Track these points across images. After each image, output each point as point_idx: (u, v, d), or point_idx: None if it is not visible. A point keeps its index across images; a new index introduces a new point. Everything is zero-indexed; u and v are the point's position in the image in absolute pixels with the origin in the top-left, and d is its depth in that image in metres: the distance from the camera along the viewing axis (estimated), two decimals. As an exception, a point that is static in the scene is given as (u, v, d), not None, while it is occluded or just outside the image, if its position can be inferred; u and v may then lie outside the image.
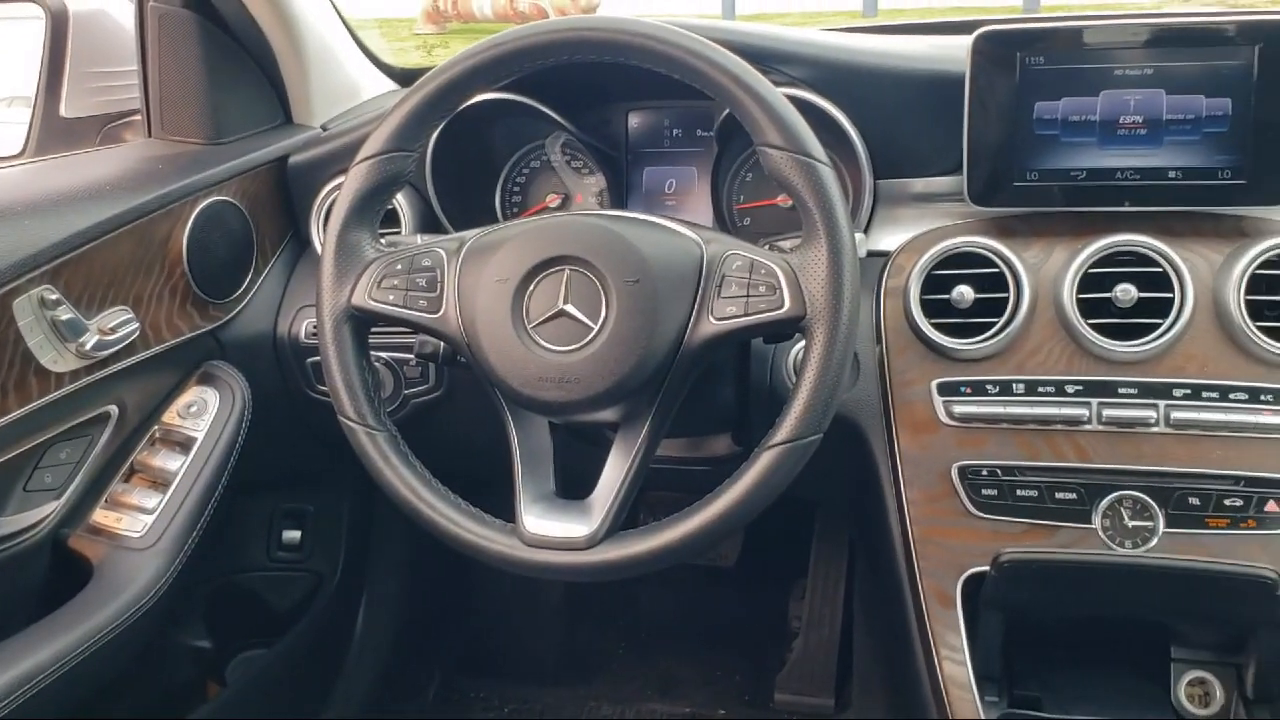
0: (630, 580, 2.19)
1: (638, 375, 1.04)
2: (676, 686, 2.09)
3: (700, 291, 1.05)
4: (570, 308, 1.05)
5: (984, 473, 1.19)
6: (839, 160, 1.34)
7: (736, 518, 1.04)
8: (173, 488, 1.35)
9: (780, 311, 1.03)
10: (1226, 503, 1.14)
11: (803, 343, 1.02)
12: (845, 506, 1.83)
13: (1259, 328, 1.15)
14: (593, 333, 1.04)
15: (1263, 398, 1.15)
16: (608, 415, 1.08)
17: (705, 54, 1.04)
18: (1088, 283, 1.20)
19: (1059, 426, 1.19)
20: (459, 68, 1.09)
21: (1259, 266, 1.16)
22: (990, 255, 1.22)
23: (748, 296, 1.04)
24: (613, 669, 2.14)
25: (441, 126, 1.39)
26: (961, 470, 1.20)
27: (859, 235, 1.22)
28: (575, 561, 1.06)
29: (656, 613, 2.21)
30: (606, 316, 1.04)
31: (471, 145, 1.47)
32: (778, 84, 1.25)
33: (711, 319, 1.04)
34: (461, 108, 1.36)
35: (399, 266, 1.10)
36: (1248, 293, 1.16)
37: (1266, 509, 1.13)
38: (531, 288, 1.06)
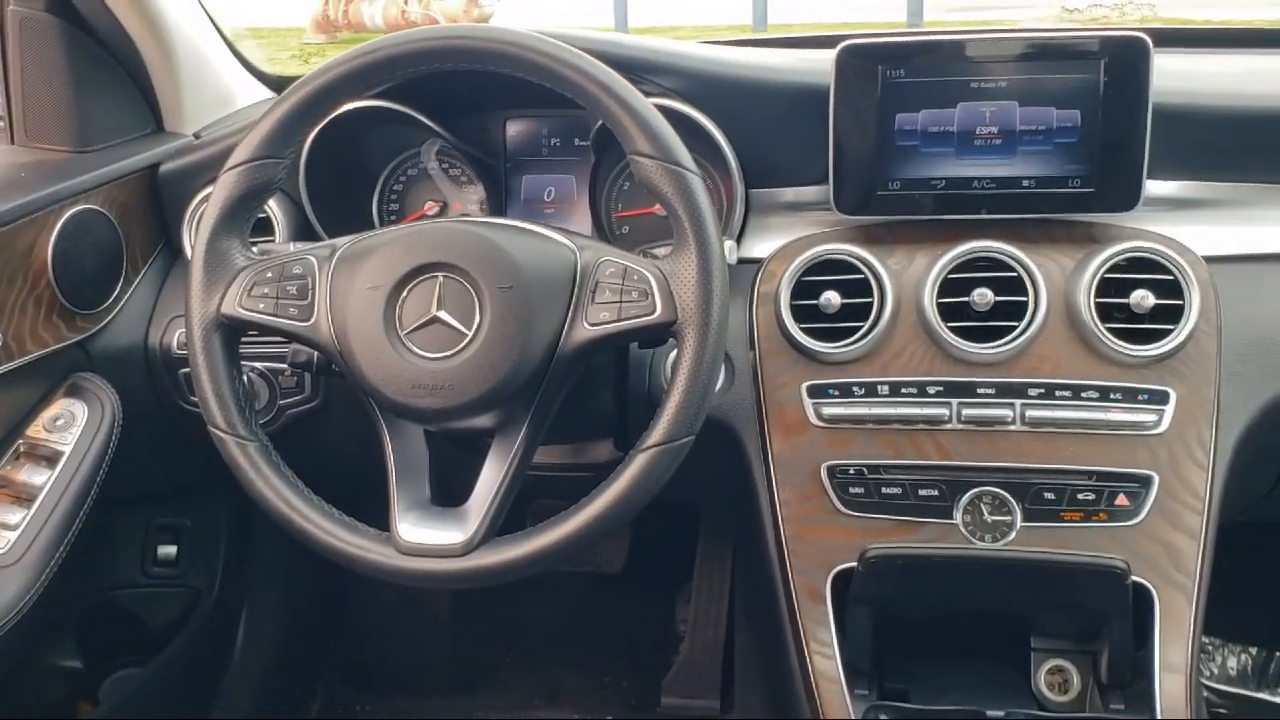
0: (516, 589, 2.19)
1: (513, 381, 1.04)
2: (564, 694, 2.09)
3: (574, 297, 1.06)
4: (444, 314, 1.05)
5: (851, 471, 1.23)
6: (712, 170, 1.37)
7: (612, 520, 1.05)
8: (37, 503, 1.31)
9: (652, 317, 1.05)
10: (1080, 497, 1.19)
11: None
12: (729, 510, 1.86)
13: (1108, 329, 1.21)
14: (466, 339, 1.05)
15: (1112, 396, 1.20)
16: (483, 421, 1.09)
17: (576, 64, 1.06)
18: (947, 287, 1.24)
19: (921, 426, 1.23)
20: (329, 75, 1.09)
21: (1107, 271, 1.22)
22: (856, 262, 1.26)
23: (620, 302, 1.06)
24: (499, 679, 2.14)
25: (315, 133, 1.39)
26: (830, 470, 1.23)
27: (729, 243, 1.25)
28: (451, 569, 1.06)
29: (543, 621, 2.21)
30: (480, 323, 1.04)
31: (347, 152, 1.47)
32: (649, 94, 1.28)
33: (586, 324, 1.06)
34: (334, 114, 1.37)
35: (269, 274, 1.09)
36: (1097, 296, 1.21)
37: (1117, 502, 1.19)
38: (404, 295, 1.06)
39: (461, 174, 1.53)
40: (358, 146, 1.50)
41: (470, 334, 1.05)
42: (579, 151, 1.49)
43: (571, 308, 1.06)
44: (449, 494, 1.13)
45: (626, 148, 1.07)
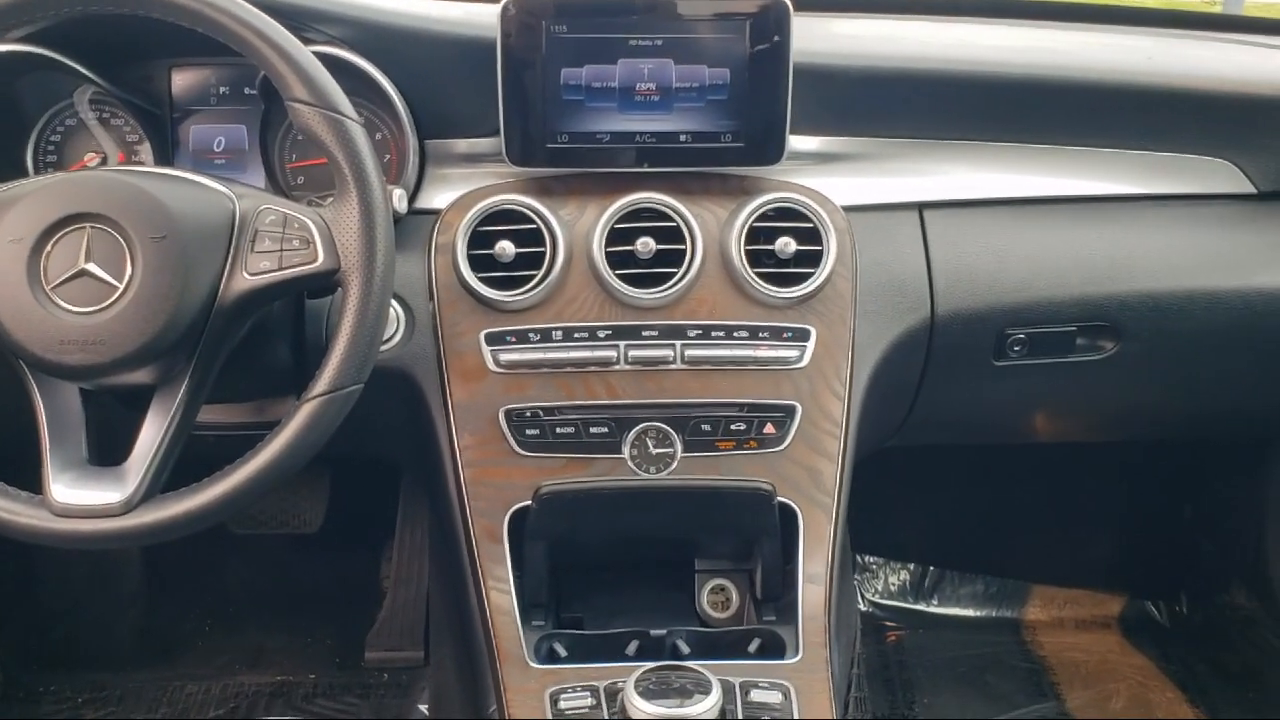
0: (214, 553, 2.14)
1: (169, 334, 1.02)
2: (266, 656, 2.07)
3: (233, 247, 1.05)
4: (92, 266, 1.02)
5: (527, 414, 1.28)
6: (385, 120, 1.37)
7: (279, 471, 1.06)
8: None
9: (314, 265, 1.05)
10: (733, 427, 1.29)
11: None
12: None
13: (757, 274, 1.30)
14: (118, 292, 1.02)
15: (761, 334, 1.30)
16: (141, 377, 1.06)
17: (229, 8, 1.04)
18: (614, 237, 1.30)
19: (592, 368, 1.29)
20: None
21: (755, 220, 1.31)
22: (529, 213, 1.30)
23: (281, 250, 1.06)
24: (198, 646, 2.09)
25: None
26: (508, 413, 1.28)
27: (397, 191, 1.26)
28: (110, 528, 1.04)
29: (243, 585, 2.17)
30: (132, 275, 1.02)
31: (-6, 101, 1.38)
32: (314, 43, 1.27)
33: (245, 274, 1.05)
34: (-27, 60, 1.28)
35: None
36: (747, 243, 1.31)
37: (765, 431, 1.29)
38: (49, 247, 1.02)
39: (125, 124, 1.46)
40: (8, 95, 1.41)
41: (122, 286, 1.02)
42: (249, 101, 1.45)
43: (230, 257, 1.05)
44: (116, 453, 1.09)
45: (284, 95, 1.06)
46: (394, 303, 1.30)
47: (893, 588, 2.22)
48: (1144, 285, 1.42)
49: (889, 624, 2.19)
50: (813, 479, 1.29)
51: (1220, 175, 1.49)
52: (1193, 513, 2.18)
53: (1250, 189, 1.49)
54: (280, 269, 1.05)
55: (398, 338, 1.31)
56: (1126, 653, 2.11)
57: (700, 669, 1.11)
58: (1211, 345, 1.47)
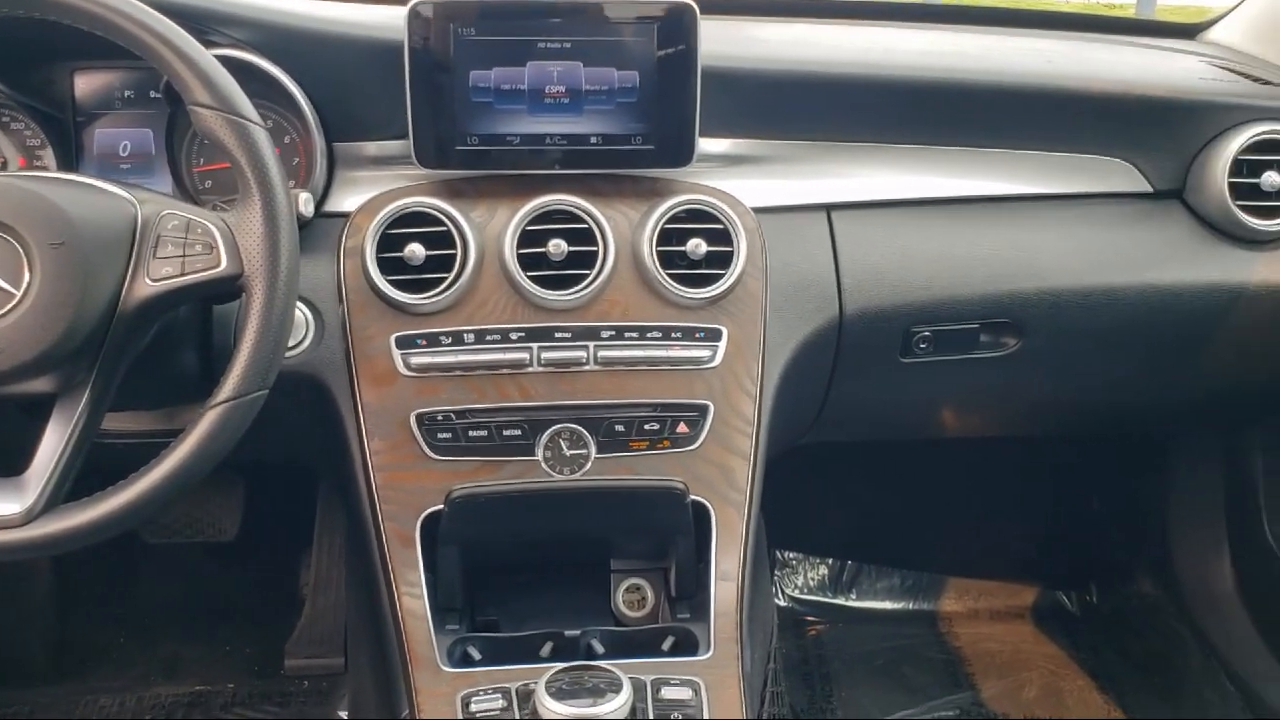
0: (127, 563, 2.10)
1: (69, 342, 1.01)
2: (183, 666, 2.04)
3: (135, 252, 1.04)
4: None
5: (439, 418, 1.28)
6: (293, 122, 1.36)
7: (184, 479, 1.04)
8: None
9: (218, 270, 1.04)
10: (646, 427, 1.30)
11: None
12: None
13: (669, 275, 1.31)
14: (15, 299, 1.00)
15: (673, 335, 1.31)
16: (41, 385, 1.04)
17: (126, 11, 1.03)
18: (526, 239, 1.30)
19: (505, 370, 1.29)
20: None
21: (667, 222, 1.32)
22: (439, 215, 1.30)
23: (184, 256, 1.04)
24: (113, 658, 2.05)
25: None
26: (419, 417, 1.27)
27: (303, 194, 1.26)
28: (10, 540, 1.01)
29: (159, 596, 2.13)
30: (30, 282, 1.00)
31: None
32: (218, 45, 1.26)
33: (148, 280, 1.04)
34: None
35: None
36: (659, 245, 1.32)
37: (678, 430, 1.30)
38: None
39: (26, 129, 1.43)
40: (-102, 99, 1.37)
41: (19, 294, 0.99)
42: (154, 104, 1.43)
43: (132, 263, 1.04)
44: (17, 463, 1.07)
45: (185, 99, 1.05)
46: (303, 307, 1.29)
47: (812, 583, 2.25)
48: (1044, 283, 1.45)
49: (809, 619, 2.22)
50: (725, 477, 1.31)
51: (1118, 174, 1.53)
52: (1101, 505, 2.24)
53: (1147, 188, 1.54)
54: (183, 274, 1.04)
55: (307, 342, 1.30)
56: (1039, 642, 2.17)
57: (612, 668, 1.12)
58: (1110, 341, 1.51)
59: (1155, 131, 1.52)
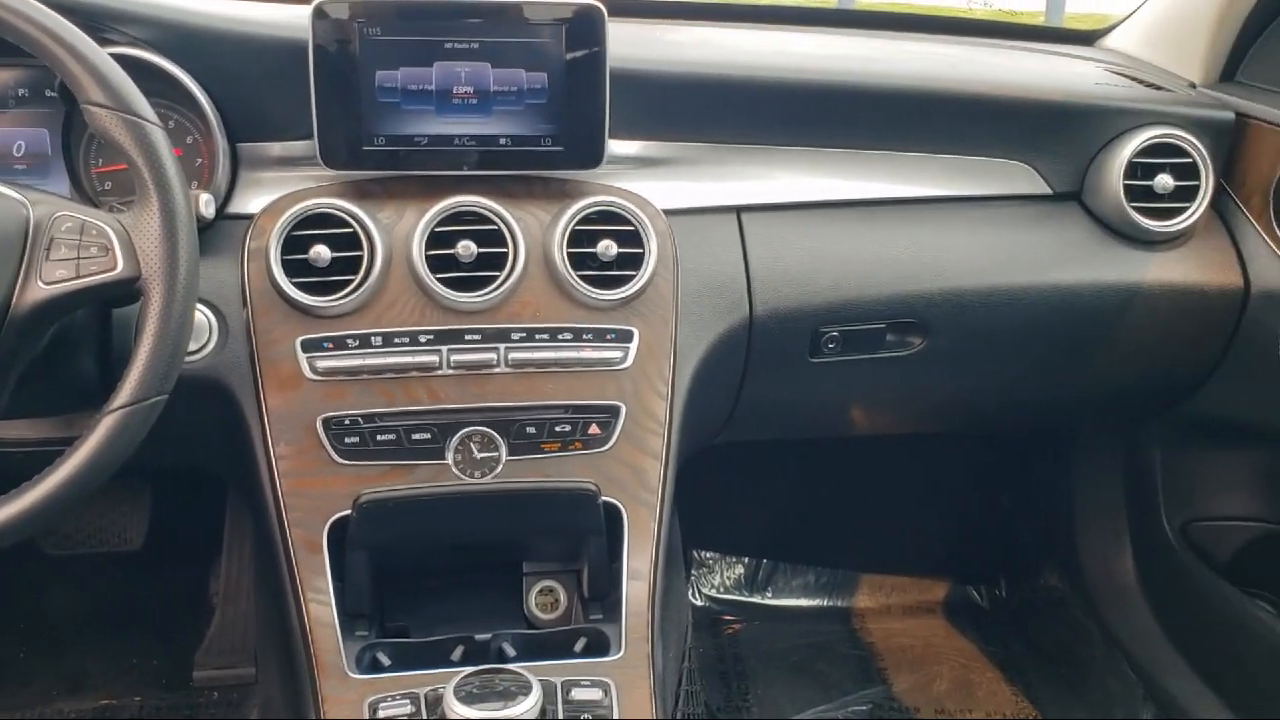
0: (26, 575, 2.04)
1: None
2: (88, 681, 1.98)
3: (26, 255, 1.01)
4: None
5: (346, 422, 1.26)
6: (195, 122, 1.34)
7: (79, 488, 1.02)
8: None
9: (114, 273, 1.02)
10: (558, 429, 1.29)
11: None
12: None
13: (580, 276, 1.31)
14: None
15: (584, 336, 1.31)
16: (-71, 394, 1.01)
17: (16, 7, 1.00)
18: (434, 240, 1.29)
19: (414, 373, 1.28)
20: None
21: (578, 223, 1.32)
22: (345, 216, 1.28)
23: (79, 259, 1.02)
24: (11, 675, 1.98)
25: None
26: (326, 422, 1.26)
27: (204, 195, 1.23)
28: None
29: (61, 609, 2.07)
30: None
31: None
32: (115, 44, 1.23)
33: (40, 284, 1.01)
34: None
35: None
36: (569, 246, 1.32)
37: (590, 431, 1.30)
38: None
39: (-87, 127, 1.39)
40: None
41: None
42: (50, 103, 1.39)
43: (24, 266, 1.01)
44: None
45: (79, 98, 1.03)
46: (205, 310, 1.27)
47: (728, 582, 2.27)
48: (948, 283, 1.48)
49: (725, 618, 2.24)
50: (637, 478, 1.31)
51: (1019, 177, 1.57)
52: (1010, 501, 2.29)
53: (1046, 190, 1.57)
54: (78, 277, 1.02)
55: (210, 346, 1.27)
56: (950, 636, 2.21)
57: (521, 670, 1.11)
58: (1012, 340, 1.55)
59: (1053, 135, 1.56)
